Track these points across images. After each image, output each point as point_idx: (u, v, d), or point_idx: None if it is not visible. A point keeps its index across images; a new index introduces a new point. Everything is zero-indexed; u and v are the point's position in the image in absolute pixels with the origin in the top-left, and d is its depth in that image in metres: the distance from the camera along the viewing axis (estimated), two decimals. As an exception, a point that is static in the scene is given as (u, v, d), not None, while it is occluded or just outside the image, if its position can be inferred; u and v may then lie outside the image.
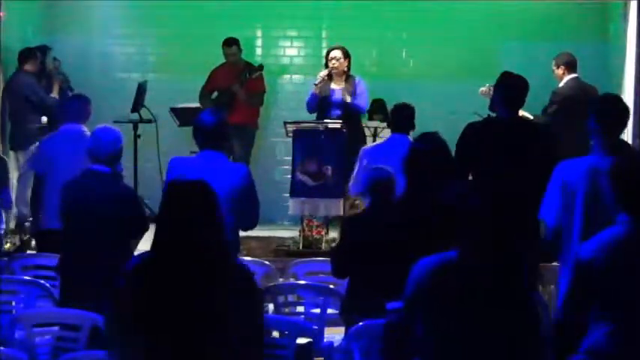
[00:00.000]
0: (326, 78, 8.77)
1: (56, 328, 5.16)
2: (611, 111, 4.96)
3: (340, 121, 8.51)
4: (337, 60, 8.77)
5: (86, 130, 7.08)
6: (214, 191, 3.60)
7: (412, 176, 5.01)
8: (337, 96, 8.80)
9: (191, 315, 3.46)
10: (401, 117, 7.44)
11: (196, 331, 3.46)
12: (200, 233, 3.50)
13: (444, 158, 5.00)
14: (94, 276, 5.44)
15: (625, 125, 5.11)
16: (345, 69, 8.84)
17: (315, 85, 8.75)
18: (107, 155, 5.65)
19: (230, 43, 9.91)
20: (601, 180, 4.76)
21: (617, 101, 5.18)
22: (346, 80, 8.82)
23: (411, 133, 7.47)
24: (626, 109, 5.10)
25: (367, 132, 8.93)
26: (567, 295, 3.90)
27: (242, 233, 5.97)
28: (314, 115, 8.93)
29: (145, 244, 6.79)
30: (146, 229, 5.80)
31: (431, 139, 5.11)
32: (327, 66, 8.86)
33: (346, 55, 8.84)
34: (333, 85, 8.81)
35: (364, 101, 8.81)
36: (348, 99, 8.71)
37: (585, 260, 3.77)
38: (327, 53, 8.92)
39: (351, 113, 8.71)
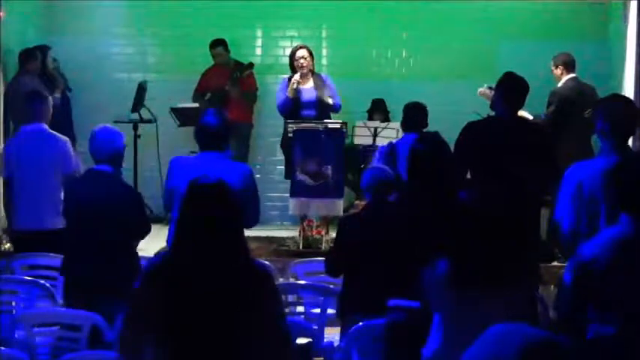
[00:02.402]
0: (300, 81, 8.73)
1: (56, 328, 5.15)
2: (622, 112, 4.94)
3: (340, 121, 8.52)
4: (305, 59, 8.73)
5: (47, 128, 7.08)
6: (234, 191, 3.63)
7: (413, 177, 5.02)
8: (309, 95, 8.75)
9: (211, 314, 3.48)
10: (413, 116, 7.44)
11: (216, 330, 3.48)
12: (220, 233, 3.53)
13: (444, 159, 5.01)
14: (98, 277, 5.43)
15: (636, 126, 5.09)
16: (312, 67, 8.81)
17: (292, 89, 8.68)
18: (107, 155, 5.60)
19: (215, 44, 9.97)
20: None
21: (628, 102, 5.17)
22: (313, 78, 8.80)
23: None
24: (636, 110, 5.08)
25: (367, 132, 8.93)
26: (567, 295, 3.90)
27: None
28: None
29: (154, 244, 6.83)
30: (148, 231, 5.79)
31: (431, 140, 5.12)
32: (292, 66, 8.81)
33: (311, 53, 8.82)
34: (301, 86, 8.75)
35: (339, 98, 8.80)
36: (329, 100, 8.66)
37: (586, 260, 3.77)
38: (293, 54, 8.84)
39: (324, 112, 8.68)
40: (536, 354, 2.25)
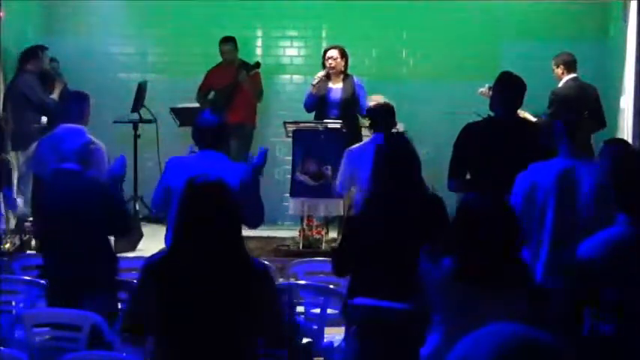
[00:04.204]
0: (324, 78, 8.76)
1: (57, 328, 5.15)
2: (575, 114, 4.97)
3: (340, 121, 8.52)
4: (334, 59, 8.77)
5: (84, 130, 7.06)
6: (232, 191, 3.63)
7: (378, 177, 5.01)
8: (335, 96, 8.79)
9: (209, 312, 3.48)
10: (381, 117, 7.42)
11: (213, 328, 3.48)
12: (217, 231, 3.53)
13: (408, 158, 4.98)
14: (73, 276, 5.43)
15: (591, 129, 5.11)
16: (342, 68, 8.84)
17: (313, 85, 8.74)
18: (72, 153, 5.62)
19: (226, 40, 9.93)
20: (571, 183, 4.77)
21: (582, 105, 5.19)
22: (344, 80, 8.83)
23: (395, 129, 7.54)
24: (591, 111, 5.10)
25: (368, 132, 8.93)
26: (567, 295, 3.90)
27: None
28: (312, 115, 8.93)
29: (155, 244, 6.83)
30: (124, 225, 5.80)
31: (395, 140, 5.11)
32: (324, 66, 8.86)
33: (343, 54, 8.85)
34: (330, 85, 8.81)
35: (365, 102, 8.81)
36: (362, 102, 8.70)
37: (585, 259, 3.77)
38: (324, 53, 8.93)
39: (349, 114, 8.70)
40: (509, 355, 2.24)
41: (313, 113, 8.93)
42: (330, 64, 8.77)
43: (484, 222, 3.60)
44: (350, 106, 8.73)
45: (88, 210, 5.47)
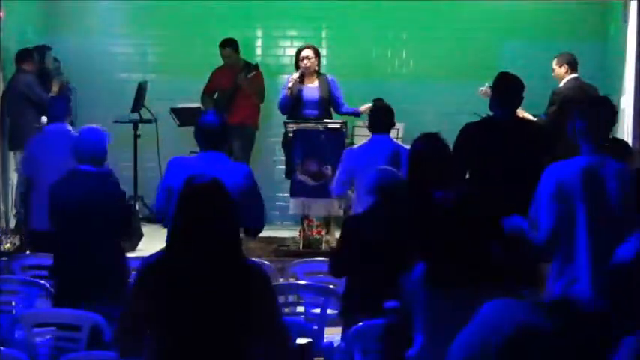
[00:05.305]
0: (297, 79, 8.73)
1: (57, 328, 5.15)
2: (597, 112, 4.92)
3: (340, 121, 8.52)
4: (309, 59, 8.74)
5: (70, 127, 7.09)
6: (228, 191, 3.62)
7: (413, 177, 5.01)
8: (312, 95, 8.75)
9: (205, 313, 3.48)
10: (380, 117, 7.40)
11: (210, 329, 3.47)
12: (215, 232, 3.52)
13: (445, 159, 5.00)
14: (86, 276, 5.45)
15: (612, 125, 5.05)
16: (316, 67, 8.82)
17: (289, 87, 8.69)
18: (91, 155, 5.65)
19: (223, 44, 9.91)
20: (596, 180, 4.74)
21: (603, 102, 5.14)
22: (318, 78, 8.81)
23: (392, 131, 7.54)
24: (611, 108, 5.04)
25: (367, 132, 8.93)
26: (606, 296, 3.86)
27: (242, 234, 5.97)
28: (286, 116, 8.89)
29: (155, 244, 6.83)
30: (134, 230, 5.81)
31: (432, 140, 5.10)
32: (297, 65, 8.82)
33: (317, 53, 8.83)
34: (305, 84, 8.75)
35: (346, 104, 8.80)
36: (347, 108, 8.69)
37: (622, 261, 3.73)
38: (298, 53, 8.87)
39: (326, 113, 8.69)
40: (520, 338, 2.24)
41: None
42: (305, 64, 8.72)
43: (455, 221, 3.59)
44: (327, 104, 8.72)
45: (105, 212, 5.50)
